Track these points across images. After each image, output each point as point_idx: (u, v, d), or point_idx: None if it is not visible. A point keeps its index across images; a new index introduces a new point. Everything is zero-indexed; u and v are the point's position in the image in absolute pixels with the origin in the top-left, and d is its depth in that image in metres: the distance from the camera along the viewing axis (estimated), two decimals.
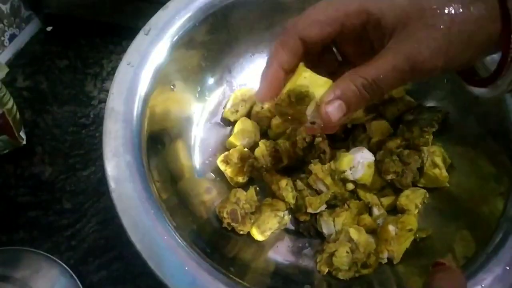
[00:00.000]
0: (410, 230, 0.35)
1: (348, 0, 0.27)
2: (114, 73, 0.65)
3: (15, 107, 0.53)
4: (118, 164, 0.31)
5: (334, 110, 0.26)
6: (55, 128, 0.57)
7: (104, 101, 0.60)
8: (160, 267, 0.28)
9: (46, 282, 0.42)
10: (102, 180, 0.52)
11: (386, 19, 0.26)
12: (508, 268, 0.27)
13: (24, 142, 0.54)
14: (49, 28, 0.68)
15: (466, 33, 0.25)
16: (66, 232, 0.48)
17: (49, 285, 0.42)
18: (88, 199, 0.50)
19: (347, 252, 0.33)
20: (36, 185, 0.52)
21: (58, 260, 0.44)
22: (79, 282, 0.43)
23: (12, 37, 0.64)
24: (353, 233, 0.34)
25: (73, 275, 0.43)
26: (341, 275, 0.34)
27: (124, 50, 0.69)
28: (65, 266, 0.43)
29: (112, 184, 0.30)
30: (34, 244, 0.47)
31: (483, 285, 0.28)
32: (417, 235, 0.36)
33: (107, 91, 0.63)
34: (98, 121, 0.58)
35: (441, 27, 0.25)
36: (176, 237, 0.29)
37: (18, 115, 0.54)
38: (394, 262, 0.35)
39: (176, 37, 0.36)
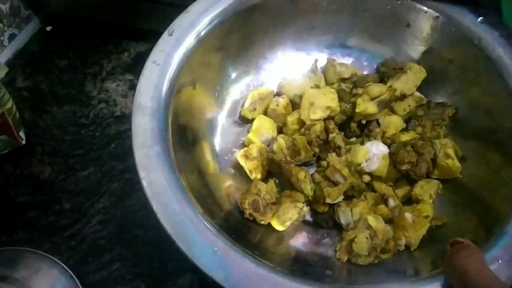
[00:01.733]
0: (427, 216, 0.36)
1: None
2: (113, 73, 0.67)
3: (14, 107, 0.54)
4: (147, 154, 0.33)
5: None
6: (55, 128, 0.58)
7: (103, 101, 0.61)
8: (190, 248, 0.30)
9: (46, 283, 0.43)
10: (101, 180, 0.53)
11: None
12: (500, 261, 0.28)
13: (24, 142, 0.55)
14: (48, 28, 0.69)
15: None
16: (66, 232, 0.49)
17: (48, 285, 0.43)
18: (87, 199, 0.51)
19: (366, 237, 0.34)
20: (35, 185, 0.53)
21: (58, 260, 0.44)
22: (78, 283, 0.43)
23: (11, 37, 0.65)
24: (371, 220, 0.36)
25: (73, 275, 0.43)
26: (361, 261, 0.35)
27: (124, 50, 0.70)
28: (65, 266, 0.44)
29: (141, 173, 0.32)
30: (34, 244, 0.48)
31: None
32: (433, 222, 0.37)
33: (107, 91, 0.64)
34: (97, 121, 0.59)
35: None
36: (204, 221, 0.31)
37: (17, 115, 0.55)
38: (412, 249, 0.36)
39: (197, 39, 0.39)
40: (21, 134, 0.55)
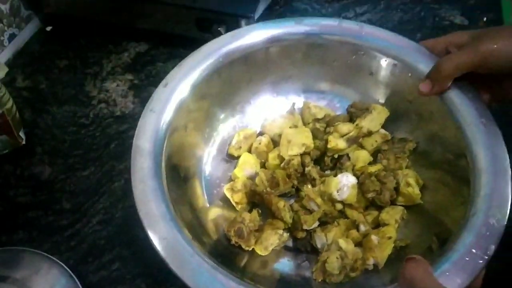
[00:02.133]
0: (390, 238, 0.40)
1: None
2: (113, 73, 0.62)
3: (14, 107, 0.49)
4: (144, 189, 0.36)
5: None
6: (55, 128, 0.54)
7: (103, 101, 0.57)
8: (181, 270, 0.33)
9: (46, 283, 0.40)
10: (101, 180, 0.50)
11: None
12: (448, 274, 0.32)
13: (24, 142, 0.51)
14: (48, 28, 0.64)
15: None
16: (66, 232, 0.46)
17: (48, 285, 0.40)
18: (87, 199, 0.48)
19: (337, 258, 0.38)
20: (35, 185, 0.49)
21: (58, 260, 0.41)
22: (78, 283, 0.41)
23: (11, 37, 0.60)
24: (342, 243, 0.39)
25: (73, 275, 0.41)
26: (333, 280, 0.38)
27: (124, 50, 0.67)
28: (65, 266, 0.41)
29: (139, 205, 0.36)
30: (34, 244, 0.44)
31: None
32: (397, 243, 0.41)
33: (107, 91, 0.60)
34: (97, 121, 0.55)
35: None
36: (194, 246, 0.35)
37: (17, 115, 0.50)
38: (379, 267, 0.39)
39: (188, 89, 0.43)
40: (21, 134, 0.51)
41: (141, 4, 0.59)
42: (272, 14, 0.66)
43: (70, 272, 0.41)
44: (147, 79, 0.60)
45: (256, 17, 0.58)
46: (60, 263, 0.42)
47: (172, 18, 0.59)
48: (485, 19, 0.64)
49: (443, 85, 0.40)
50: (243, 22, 0.56)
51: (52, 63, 0.61)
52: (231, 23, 0.57)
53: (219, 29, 0.57)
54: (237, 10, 0.56)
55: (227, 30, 0.58)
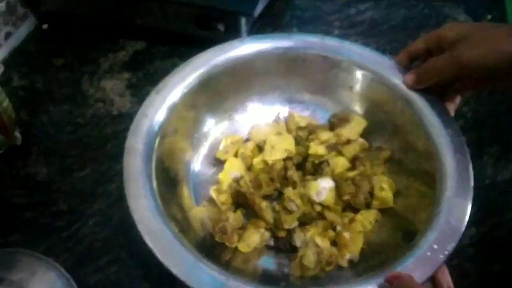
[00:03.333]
0: (360, 232, 0.44)
1: None
2: (110, 72, 0.60)
3: (10, 106, 0.47)
4: (135, 186, 0.39)
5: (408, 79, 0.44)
6: (51, 128, 0.52)
7: (100, 100, 0.55)
8: (167, 259, 0.36)
9: (42, 285, 0.39)
10: (98, 181, 0.48)
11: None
12: (411, 266, 0.36)
13: (20, 142, 0.49)
14: (45, 26, 0.61)
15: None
16: (62, 234, 0.44)
17: (45, 287, 0.40)
18: (84, 201, 0.46)
19: (313, 253, 0.41)
20: (31, 185, 0.47)
21: (54, 263, 0.40)
22: (75, 285, 0.40)
23: (7, 35, 0.57)
24: (318, 240, 0.42)
25: (69, 278, 0.40)
26: (309, 273, 0.41)
27: (121, 48, 0.64)
28: (61, 268, 0.40)
29: (130, 200, 0.38)
30: (30, 246, 0.42)
31: None
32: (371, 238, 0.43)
33: (104, 90, 0.58)
34: (94, 121, 0.53)
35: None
36: (180, 239, 0.37)
37: (13, 115, 0.47)
38: (355, 261, 0.42)
39: (179, 96, 0.45)
40: (17, 133, 0.48)
41: (139, 2, 0.59)
42: (272, 12, 0.65)
43: (67, 274, 0.40)
44: (144, 77, 0.59)
45: (256, 14, 0.58)
46: (57, 265, 0.40)
47: (170, 15, 0.58)
48: (489, 17, 0.64)
49: (426, 82, 0.42)
50: (242, 20, 0.56)
51: (49, 61, 0.59)
52: (231, 20, 0.56)
53: (218, 26, 0.57)
54: (237, 7, 0.55)
55: (227, 28, 0.57)
